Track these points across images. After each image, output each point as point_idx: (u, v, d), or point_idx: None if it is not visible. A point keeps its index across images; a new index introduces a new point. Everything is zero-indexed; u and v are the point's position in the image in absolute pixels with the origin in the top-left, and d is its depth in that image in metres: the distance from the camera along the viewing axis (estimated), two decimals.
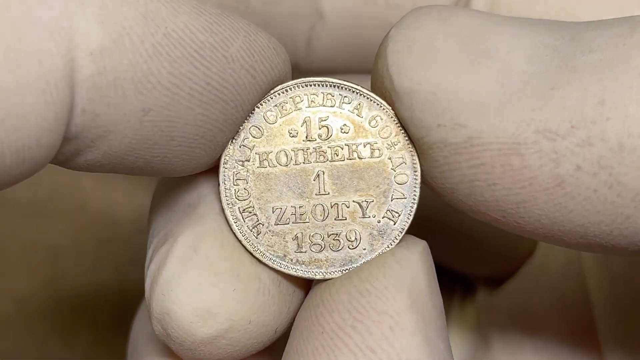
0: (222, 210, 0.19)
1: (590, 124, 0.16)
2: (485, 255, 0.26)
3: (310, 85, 0.19)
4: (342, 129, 0.19)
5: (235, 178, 0.19)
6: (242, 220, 0.19)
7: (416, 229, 0.20)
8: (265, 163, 0.19)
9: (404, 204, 0.19)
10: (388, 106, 0.19)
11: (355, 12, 0.24)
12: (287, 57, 0.19)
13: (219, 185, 0.19)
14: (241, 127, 0.19)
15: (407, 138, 0.19)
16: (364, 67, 0.25)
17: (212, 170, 0.19)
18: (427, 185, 0.19)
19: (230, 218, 0.19)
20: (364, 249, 0.19)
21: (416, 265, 0.18)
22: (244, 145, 0.19)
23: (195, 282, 0.18)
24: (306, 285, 0.20)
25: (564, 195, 0.16)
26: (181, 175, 0.19)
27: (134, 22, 0.16)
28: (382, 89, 0.18)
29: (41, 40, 0.15)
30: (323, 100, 0.19)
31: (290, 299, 0.19)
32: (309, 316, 0.18)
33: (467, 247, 0.26)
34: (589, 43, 0.17)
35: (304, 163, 0.19)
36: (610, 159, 0.16)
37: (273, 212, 0.19)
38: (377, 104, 0.19)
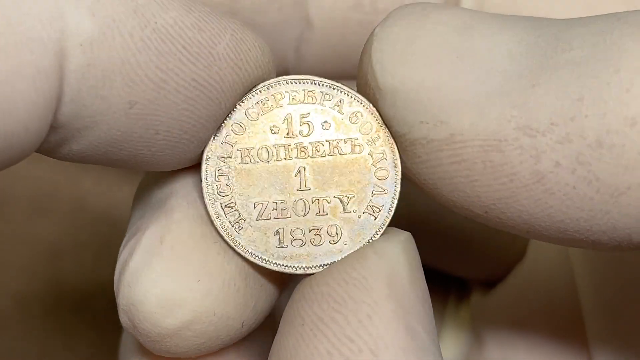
0: (204, 206, 0.19)
1: (569, 120, 0.16)
2: (479, 259, 0.26)
3: (292, 83, 0.19)
4: (323, 125, 0.19)
5: (217, 174, 0.19)
6: (223, 216, 0.19)
7: (410, 232, 0.19)
8: (247, 159, 0.19)
9: (385, 199, 0.19)
10: (368, 102, 0.19)
11: (343, 18, 0.24)
12: (272, 58, 0.20)
13: (201, 181, 0.19)
14: (223, 124, 0.19)
15: (387, 134, 0.19)
16: (352, 73, 0.25)
17: (187, 167, 0.19)
18: (410, 181, 0.19)
19: (212, 213, 0.19)
20: (345, 244, 0.19)
21: (396, 255, 0.18)
22: (225, 142, 0.19)
23: (160, 273, 0.18)
24: (280, 281, 0.20)
25: (543, 192, 0.16)
26: (164, 170, 0.19)
27: (124, 16, 0.16)
28: (366, 86, 0.19)
29: (33, 29, 0.15)
30: (304, 97, 0.19)
31: (258, 294, 0.19)
32: (291, 310, 0.18)
33: (461, 251, 0.26)
34: (570, 40, 0.17)
35: (285, 159, 0.19)
36: (589, 156, 0.16)
37: (254, 207, 0.19)
38: (358, 101, 0.19)
